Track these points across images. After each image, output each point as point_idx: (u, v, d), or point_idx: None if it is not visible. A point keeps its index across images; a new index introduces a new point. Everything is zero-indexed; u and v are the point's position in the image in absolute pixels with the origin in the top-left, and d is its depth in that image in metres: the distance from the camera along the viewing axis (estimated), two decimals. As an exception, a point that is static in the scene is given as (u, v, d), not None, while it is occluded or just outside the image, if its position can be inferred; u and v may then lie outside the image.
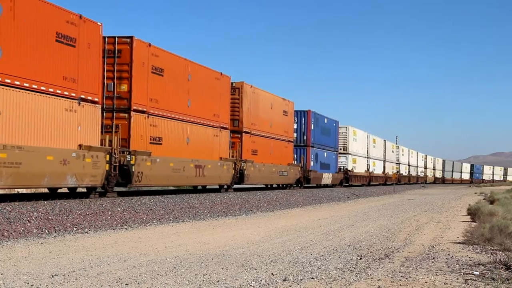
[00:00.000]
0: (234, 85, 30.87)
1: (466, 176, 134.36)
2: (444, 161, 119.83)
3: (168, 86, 23.72)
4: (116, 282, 7.56)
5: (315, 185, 46.01)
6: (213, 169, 27.01)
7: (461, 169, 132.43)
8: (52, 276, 7.88)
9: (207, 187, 30.55)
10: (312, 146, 42.41)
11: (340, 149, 51.88)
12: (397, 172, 77.30)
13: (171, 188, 31.52)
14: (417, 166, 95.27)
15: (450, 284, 7.80)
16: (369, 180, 61.28)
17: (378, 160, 66.54)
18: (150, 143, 22.20)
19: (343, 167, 52.04)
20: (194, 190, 30.58)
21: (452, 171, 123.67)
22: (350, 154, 53.63)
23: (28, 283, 7.42)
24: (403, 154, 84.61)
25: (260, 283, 7.61)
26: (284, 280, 7.85)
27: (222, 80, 28.77)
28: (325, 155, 46.27)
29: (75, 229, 13.90)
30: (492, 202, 25.94)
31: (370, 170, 61.72)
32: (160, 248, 10.94)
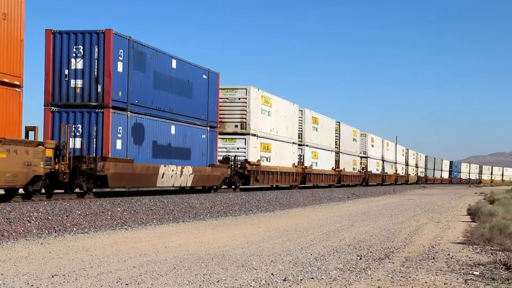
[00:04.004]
0: None
1: (445, 174, 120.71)
2: (426, 157, 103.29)
3: None
4: (116, 282, 7.56)
5: (133, 189, 26.74)
6: None
7: (442, 167, 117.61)
8: (52, 276, 7.88)
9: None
10: (122, 109, 21.22)
11: (236, 126, 31.94)
12: (363, 169, 59.36)
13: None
14: (395, 162, 76.30)
15: (450, 284, 7.80)
16: (303, 179, 41.31)
17: (324, 150, 46.48)
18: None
19: (236, 156, 31.35)
20: (193, 190, 30.24)
21: (434, 169, 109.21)
22: (254, 135, 32.60)
23: (28, 283, 7.42)
24: (373, 145, 64.05)
25: (260, 283, 7.61)
26: (284, 280, 7.85)
27: None
28: (173, 131, 24.73)
29: (75, 229, 13.90)
30: (492, 202, 25.95)
31: (306, 165, 41.84)
32: (160, 248, 10.94)
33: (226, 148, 31.67)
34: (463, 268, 9.02)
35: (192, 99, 26.46)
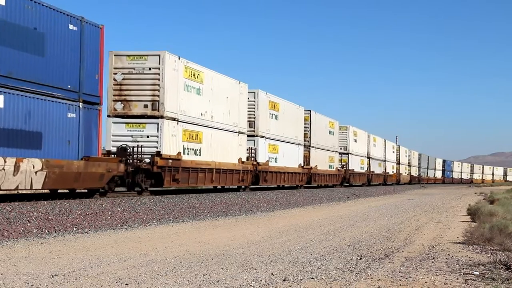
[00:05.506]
0: None
1: (439, 174, 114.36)
2: (420, 155, 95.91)
3: None
4: (116, 282, 7.57)
5: None
6: None
7: (435, 166, 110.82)
8: (52, 276, 7.88)
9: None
10: None
11: (145, 106, 23.27)
12: (343, 167, 51.87)
13: None
14: (384, 160, 68.37)
15: (450, 284, 7.81)
16: (255, 179, 32.84)
17: (287, 144, 37.74)
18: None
19: (141, 146, 22.61)
20: (194, 190, 29.23)
21: (427, 168, 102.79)
22: (173, 119, 23.98)
23: (28, 283, 7.42)
24: (356, 140, 56.01)
25: (260, 283, 7.61)
26: (284, 280, 7.85)
27: None
28: (1, 104, 15.47)
29: (75, 229, 13.90)
30: (492, 202, 25.97)
31: (261, 160, 33.24)
32: (160, 248, 10.95)
33: (132, 136, 23.23)
34: (463, 268, 9.02)
35: (45, 58, 17.36)
